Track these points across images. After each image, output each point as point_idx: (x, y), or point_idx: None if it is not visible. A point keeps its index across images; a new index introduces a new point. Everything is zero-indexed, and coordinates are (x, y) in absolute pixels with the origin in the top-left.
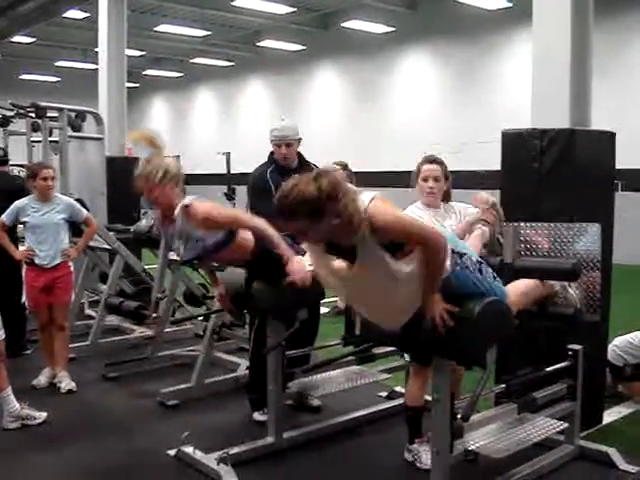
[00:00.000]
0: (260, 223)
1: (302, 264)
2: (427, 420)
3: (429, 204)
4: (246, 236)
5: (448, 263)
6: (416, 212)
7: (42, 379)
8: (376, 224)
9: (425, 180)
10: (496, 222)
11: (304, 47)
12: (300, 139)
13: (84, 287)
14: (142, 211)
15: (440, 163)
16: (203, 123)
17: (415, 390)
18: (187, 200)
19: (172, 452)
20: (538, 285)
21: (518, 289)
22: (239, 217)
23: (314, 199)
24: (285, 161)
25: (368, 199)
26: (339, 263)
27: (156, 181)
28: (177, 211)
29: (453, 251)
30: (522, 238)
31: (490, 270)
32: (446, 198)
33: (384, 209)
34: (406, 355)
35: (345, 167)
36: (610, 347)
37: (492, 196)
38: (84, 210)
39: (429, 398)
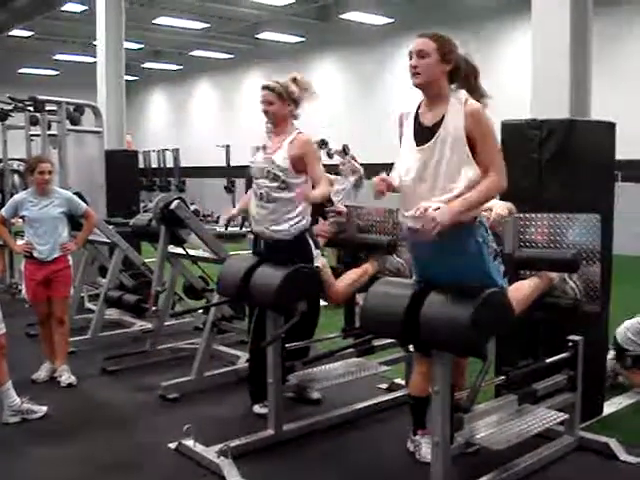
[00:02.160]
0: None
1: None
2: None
3: None
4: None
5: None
6: None
7: (42, 373)
8: (474, 108)
9: None
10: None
11: (303, 39)
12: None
13: (84, 281)
14: (142, 204)
15: None
16: (202, 116)
17: (419, 380)
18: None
19: (173, 445)
20: (538, 286)
21: (517, 297)
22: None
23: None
24: None
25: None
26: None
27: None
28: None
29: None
30: (522, 229)
31: (502, 267)
32: None
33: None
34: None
35: (344, 150)
36: (621, 329)
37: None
38: (83, 203)
39: None
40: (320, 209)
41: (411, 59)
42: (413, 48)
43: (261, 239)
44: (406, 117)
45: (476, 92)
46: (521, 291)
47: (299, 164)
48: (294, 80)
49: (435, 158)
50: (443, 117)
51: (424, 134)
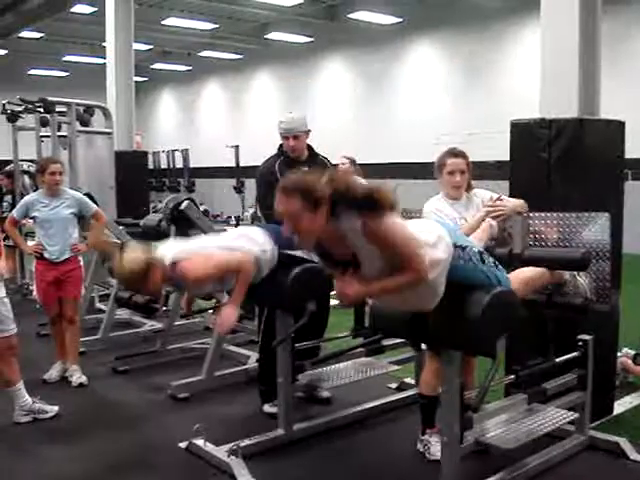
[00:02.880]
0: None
1: (231, 314)
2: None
3: (454, 197)
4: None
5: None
6: (438, 206)
7: (53, 373)
8: (368, 228)
9: (451, 174)
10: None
11: (312, 39)
12: (309, 131)
13: (94, 281)
14: (151, 205)
15: (464, 156)
16: (211, 116)
17: (429, 378)
18: (168, 257)
19: (183, 445)
20: (543, 273)
21: (520, 277)
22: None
23: (319, 187)
24: (294, 153)
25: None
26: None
27: None
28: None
29: (455, 245)
30: (531, 229)
31: (491, 259)
32: (468, 188)
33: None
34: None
35: (353, 162)
36: None
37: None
38: (93, 204)
39: None
40: None
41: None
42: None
43: None
44: None
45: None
46: (524, 273)
47: None
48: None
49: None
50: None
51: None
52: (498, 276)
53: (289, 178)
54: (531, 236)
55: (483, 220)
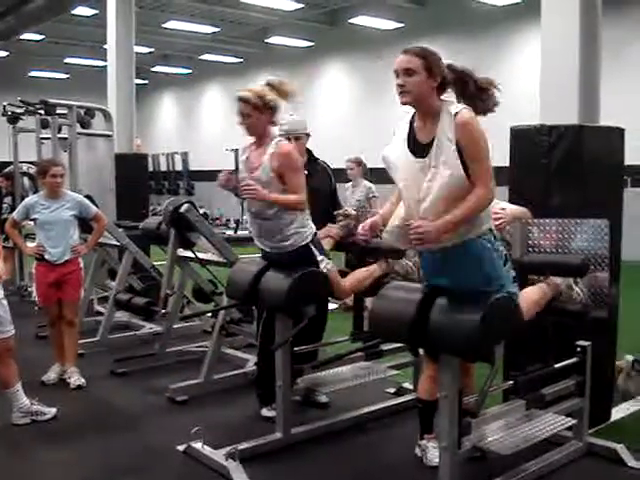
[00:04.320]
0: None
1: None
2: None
3: None
4: None
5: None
6: None
7: (51, 375)
8: (464, 120)
9: None
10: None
11: (312, 43)
12: (309, 134)
13: (93, 283)
14: (151, 208)
15: None
16: (212, 119)
17: (428, 383)
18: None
19: (181, 448)
20: (546, 293)
21: (530, 298)
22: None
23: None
24: None
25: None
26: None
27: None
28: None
29: (491, 230)
30: (531, 234)
31: (513, 272)
32: None
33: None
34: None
35: (359, 163)
36: None
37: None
38: (93, 207)
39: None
40: (328, 214)
41: (398, 77)
42: (398, 66)
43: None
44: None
45: (475, 97)
46: (530, 298)
47: (283, 176)
48: (271, 85)
49: (429, 177)
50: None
51: (419, 151)
52: (510, 285)
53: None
54: (530, 242)
55: None
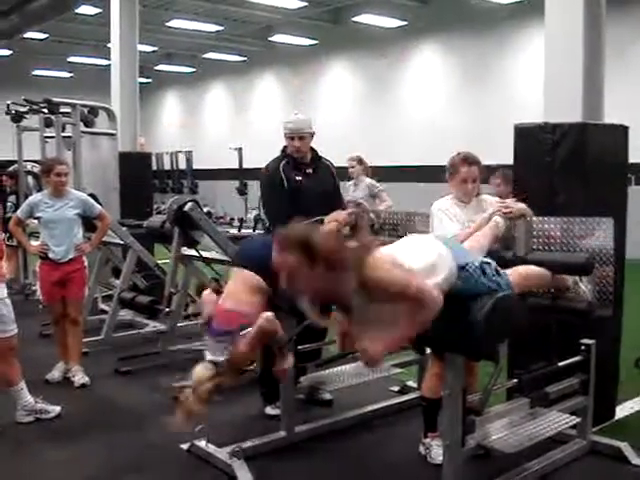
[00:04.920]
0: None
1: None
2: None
3: (464, 201)
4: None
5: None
6: (447, 206)
7: (56, 373)
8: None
9: (464, 181)
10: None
11: (316, 42)
12: (313, 133)
13: (97, 282)
14: (155, 206)
15: (477, 163)
16: (215, 118)
17: (432, 382)
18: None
19: (185, 446)
20: (545, 272)
21: (519, 270)
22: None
23: (324, 245)
24: (298, 154)
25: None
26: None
27: None
28: None
29: (459, 267)
30: (535, 232)
31: (493, 265)
32: (477, 192)
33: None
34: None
35: (360, 161)
36: None
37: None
38: (97, 205)
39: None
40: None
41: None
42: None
43: None
44: None
45: None
46: (525, 268)
47: None
48: None
49: None
50: None
51: None
52: (500, 283)
53: (293, 229)
54: (534, 240)
55: (490, 219)
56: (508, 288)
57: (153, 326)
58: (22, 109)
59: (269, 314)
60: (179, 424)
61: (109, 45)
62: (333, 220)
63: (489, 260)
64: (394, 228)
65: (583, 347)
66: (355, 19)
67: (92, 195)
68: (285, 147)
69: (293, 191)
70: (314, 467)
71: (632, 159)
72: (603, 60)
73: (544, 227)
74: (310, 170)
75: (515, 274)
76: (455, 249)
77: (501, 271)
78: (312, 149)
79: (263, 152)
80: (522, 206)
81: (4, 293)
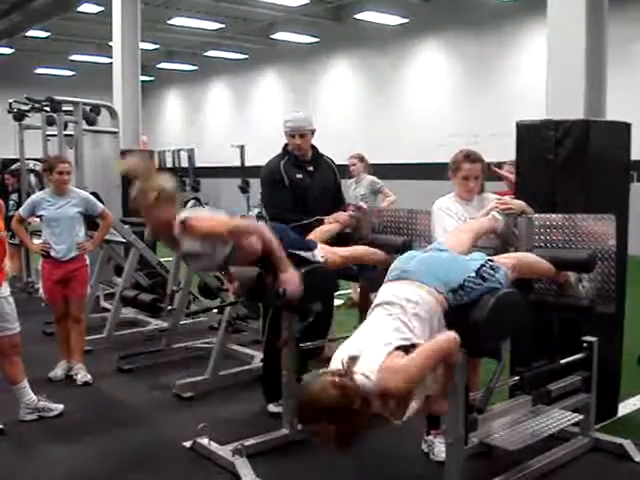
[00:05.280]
0: (258, 227)
1: (294, 275)
2: None
3: (466, 198)
4: (252, 240)
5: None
6: (448, 205)
7: (58, 371)
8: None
9: (466, 179)
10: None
11: (318, 39)
12: (314, 130)
13: (99, 280)
14: None
15: (480, 160)
16: (217, 116)
17: None
18: (183, 215)
19: (187, 444)
20: (544, 263)
21: (513, 254)
22: (239, 225)
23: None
24: (299, 152)
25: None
26: None
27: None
28: (176, 229)
29: (452, 290)
30: (537, 229)
31: (488, 264)
32: (480, 190)
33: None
34: None
35: (361, 158)
36: None
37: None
38: (99, 204)
39: None
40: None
41: None
42: None
43: None
44: None
45: None
46: (525, 255)
47: None
48: None
49: None
50: None
51: None
52: (500, 280)
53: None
54: (536, 237)
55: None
56: (506, 280)
57: (155, 324)
58: (24, 107)
59: None
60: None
61: (111, 43)
62: (334, 221)
63: (482, 260)
64: (397, 227)
65: (585, 344)
66: (357, 16)
67: (94, 193)
68: (286, 145)
69: (294, 189)
70: (316, 464)
71: (634, 156)
72: (605, 57)
73: (546, 224)
74: (311, 168)
75: (508, 256)
76: (446, 269)
77: (495, 264)
78: (313, 147)
79: (265, 150)
80: (521, 203)
81: (7, 291)
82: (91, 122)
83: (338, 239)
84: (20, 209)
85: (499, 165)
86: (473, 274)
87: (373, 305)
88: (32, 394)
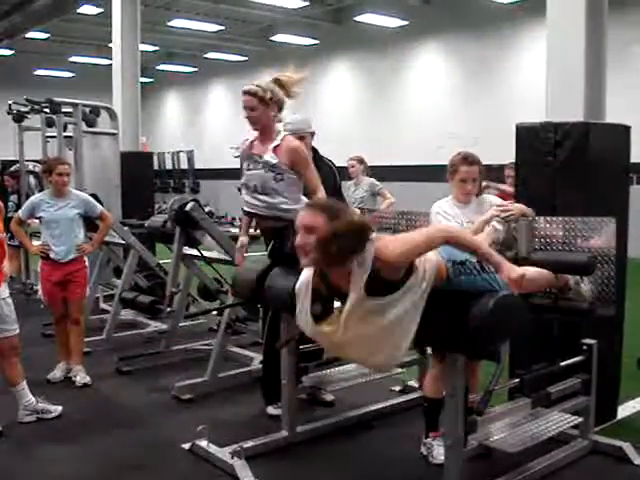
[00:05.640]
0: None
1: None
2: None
3: (464, 201)
4: None
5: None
6: (444, 208)
7: (57, 373)
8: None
9: (463, 181)
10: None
11: (317, 41)
12: (313, 132)
13: (99, 281)
14: (156, 206)
15: (478, 163)
16: (217, 117)
17: (433, 381)
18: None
19: (186, 446)
20: (547, 275)
21: (536, 270)
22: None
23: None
24: None
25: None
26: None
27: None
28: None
29: (454, 262)
30: (537, 232)
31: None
32: (478, 192)
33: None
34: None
35: (360, 160)
36: None
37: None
38: (99, 205)
39: None
40: None
41: None
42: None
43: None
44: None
45: None
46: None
47: (297, 171)
48: (277, 82)
49: None
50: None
51: None
52: (498, 280)
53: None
54: (536, 240)
55: (488, 223)
56: (507, 287)
57: (155, 326)
58: (24, 109)
59: None
60: None
61: (111, 45)
62: None
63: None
64: (396, 229)
65: (585, 347)
66: (357, 19)
67: (94, 195)
68: None
69: None
70: (315, 467)
71: (634, 159)
72: (605, 59)
73: (546, 226)
74: None
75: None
76: (452, 250)
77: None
78: (313, 148)
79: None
80: (521, 206)
81: (6, 293)
82: (91, 124)
83: None
84: (19, 211)
85: (502, 167)
86: (474, 260)
87: None
88: (31, 396)
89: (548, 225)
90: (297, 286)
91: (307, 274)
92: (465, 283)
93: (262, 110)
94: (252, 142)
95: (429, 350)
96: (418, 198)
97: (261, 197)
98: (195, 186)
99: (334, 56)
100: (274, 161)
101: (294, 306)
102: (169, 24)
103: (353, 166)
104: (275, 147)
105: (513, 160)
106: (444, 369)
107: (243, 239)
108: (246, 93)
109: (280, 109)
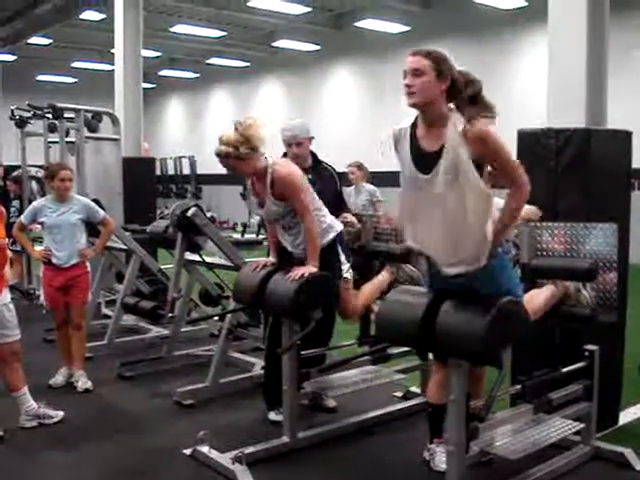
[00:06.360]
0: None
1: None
2: None
3: None
4: None
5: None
6: None
7: (59, 378)
8: (476, 132)
9: None
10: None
11: (319, 47)
12: (311, 138)
13: (100, 287)
14: (158, 211)
15: None
16: (219, 123)
17: (437, 387)
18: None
19: (188, 451)
20: (554, 294)
21: (538, 299)
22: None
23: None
24: (297, 160)
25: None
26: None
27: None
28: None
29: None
30: (537, 238)
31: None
32: None
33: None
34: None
35: (360, 167)
36: None
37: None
38: (101, 211)
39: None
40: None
41: (405, 78)
42: (407, 67)
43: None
44: (403, 135)
45: (480, 106)
46: (536, 300)
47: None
48: (237, 130)
49: (438, 189)
50: (444, 144)
51: (426, 161)
52: (517, 288)
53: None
54: (538, 246)
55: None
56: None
57: (156, 331)
58: (26, 114)
59: None
60: None
61: (113, 50)
62: (342, 219)
63: None
64: (394, 235)
65: (586, 353)
66: (358, 24)
67: (96, 200)
68: (285, 153)
69: None
70: (317, 473)
71: (636, 165)
72: (606, 64)
73: (548, 232)
74: (311, 175)
75: (532, 302)
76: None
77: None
78: (313, 153)
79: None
80: (528, 211)
81: (8, 298)
82: (93, 129)
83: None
84: (21, 216)
85: None
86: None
87: None
88: (32, 401)
89: (550, 232)
90: (397, 127)
91: (407, 121)
92: (498, 269)
93: (243, 164)
94: (252, 184)
95: (431, 356)
96: None
97: (288, 238)
98: (197, 191)
99: (335, 61)
100: (280, 209)
101: (295, 312)
102: (171, 30)
103: (353, 173)
104: (271, 185)
105: None
106: (447, 375)
107: (272, 260)
108: (218, 156)
109: (258, 150)
